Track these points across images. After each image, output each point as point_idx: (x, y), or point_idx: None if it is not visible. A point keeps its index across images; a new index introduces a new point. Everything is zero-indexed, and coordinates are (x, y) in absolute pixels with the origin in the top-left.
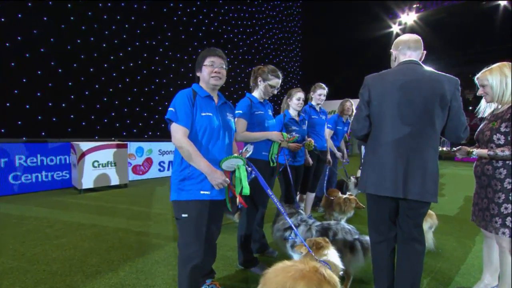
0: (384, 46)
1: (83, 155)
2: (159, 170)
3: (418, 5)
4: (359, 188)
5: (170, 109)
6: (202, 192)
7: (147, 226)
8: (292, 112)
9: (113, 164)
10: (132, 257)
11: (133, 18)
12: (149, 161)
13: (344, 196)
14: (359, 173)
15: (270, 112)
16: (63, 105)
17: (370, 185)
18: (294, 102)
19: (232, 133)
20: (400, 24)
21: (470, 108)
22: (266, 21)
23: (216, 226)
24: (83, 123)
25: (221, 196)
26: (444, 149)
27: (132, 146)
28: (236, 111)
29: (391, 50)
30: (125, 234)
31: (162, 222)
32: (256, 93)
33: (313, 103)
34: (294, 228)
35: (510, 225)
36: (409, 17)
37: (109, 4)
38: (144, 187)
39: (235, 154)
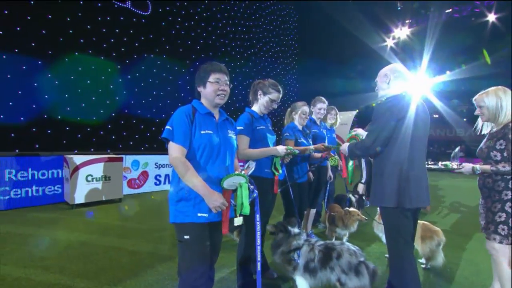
0: (378, 58)
1: (76, 168)
2: (155, 183)
3: (410, 21)
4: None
5: (167, 127)
6: (199, 214)
7: (140, 244)
8: (298, 125)
9: (107, 178)
10: (124, 280)
11: (131, 31)
12: (145, 175)
13: (345, 209)
14: (360, 188)
15: (270, 127)
16: (59, 117)
17: (407, 200)
18: (300, 116)
19: (233, 151)
20: (394, 38)
21: (464, 119)
22: (263, 35)
23: (214, 250)
24: (79, 136)
25: (220, 218)
26: (454, 164)
27: (128, 159)
28: (237, 127)
29: (387, 72)
30: (116, 254)
31: (156, 240)
32: (256, 107)
33: (313, 117)
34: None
35: (502, 233)
36: (402, 32)
37: (108, 18)
38: (139, 202)
39: (237, 172)
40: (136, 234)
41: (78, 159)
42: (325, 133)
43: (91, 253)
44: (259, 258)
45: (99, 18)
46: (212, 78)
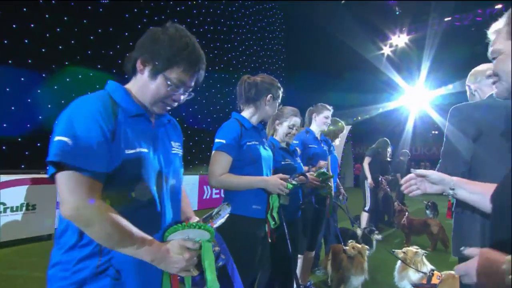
0: (374, 67)
1: None
2: None
3: (409, 28)
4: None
5: None
6: None
7: None
8: (280, 141)
9: (30, 207)
10: None
11: (85, 21)
12: None
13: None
14: (364, 218)
15: (266, 143)
16: None
17: None
18: (284, 130)
19: (180, 180)
20: (391, 46)
21: None
22: (246, 36)
23: None
24: (4, 147)
25: None
26: None
27: None
28: (217, 140)
29: (468, 83)
30: None
31: None
32: (249, 113)
33: (313, 128)
34: None
35: None
36: (400, 39)
37: (53, 1)
38: None
39: (192, 221)
40: None
41: None
42: (326, 149)
43: None
44: None
45: (41, 1)
46: None
